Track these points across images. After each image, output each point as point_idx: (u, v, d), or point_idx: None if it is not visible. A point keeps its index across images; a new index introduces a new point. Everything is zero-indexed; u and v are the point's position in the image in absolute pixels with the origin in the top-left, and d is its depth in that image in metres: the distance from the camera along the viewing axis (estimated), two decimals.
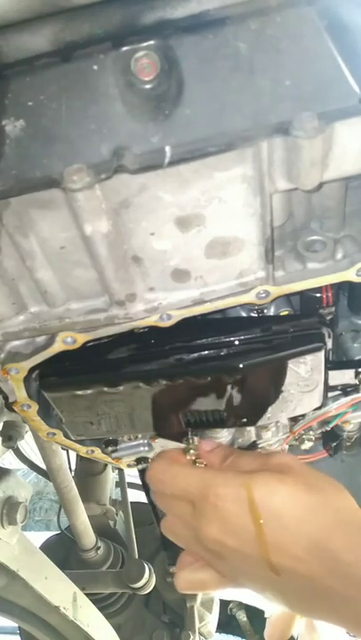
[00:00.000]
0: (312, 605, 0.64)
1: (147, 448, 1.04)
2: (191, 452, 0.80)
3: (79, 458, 2.41)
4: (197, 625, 2.40)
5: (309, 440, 1.14)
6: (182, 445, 0.83)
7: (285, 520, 0.63)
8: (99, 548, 2.32)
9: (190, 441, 0.82)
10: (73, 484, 1.91)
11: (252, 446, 1.11)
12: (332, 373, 0.87)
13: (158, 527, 0.83)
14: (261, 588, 0.68)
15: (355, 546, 0.61)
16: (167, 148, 0.57)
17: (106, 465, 2.50)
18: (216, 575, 0.72)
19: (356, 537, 0.62)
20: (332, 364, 0.85)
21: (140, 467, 1.11)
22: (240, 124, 0.58)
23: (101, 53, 0.59)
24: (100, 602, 2.27)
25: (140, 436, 1.02)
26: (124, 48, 0.58)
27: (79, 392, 0.79)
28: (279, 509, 0.64)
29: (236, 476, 0.67)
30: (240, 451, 0.79)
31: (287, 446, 1.12)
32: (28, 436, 1.93)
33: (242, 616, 2.99)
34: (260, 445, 1.12)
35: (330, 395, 0.95)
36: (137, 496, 2.48)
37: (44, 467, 1.87)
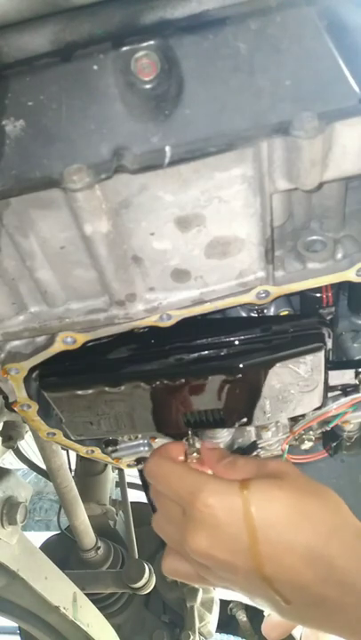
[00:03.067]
0: (307, 614, 0.63)
1: (147, 448, 1.05)
2: (194, 455, 0.79)
3: (79, 458, 2.41)
4: (197, 625, 2.40)
5: (309, 440, 1.14)
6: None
7: (282, 527, 0.61)
8: (99, 548, 2.32)
9: (190, 441, 0.82)
10: (73, 484, 1.91)
11: (252, 446, 1.11)
12: (332, 373, 0.87)
13: None
14: (252, 596, 0.66)
15: (352, 553, 0.60)
16: (167, 148, 0.57)
17: (106, 465, 2.50)
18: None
19: (352, 544, 0.61)
20: (332, 364, 0.85)
21: (140, 467, 1.11)
22: (240, 124, 0.58)
23: (101, 53, 0.59)
24: (100, 602, 2.27)
25: (140, 435, 1.02)
26: (124, 48, 0.58)
27: (79, 392, 0.79)
28: (276, 516, 0.62)
29: (230, 484, 0.65)
30: (237, 455, 0.77)
31: (287, 446, 1.12)
32: (28, 436, 1.93)
33: (242, 616, 2.99)
34: (260, 445, 1.12)
35: (330, 395, 0.95)
36: (137, 496, 2.48)
37: (44, 467, 1.88)
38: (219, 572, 0.66)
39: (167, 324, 0.72)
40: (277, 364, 0.76)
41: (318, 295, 0.78)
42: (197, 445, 0.80)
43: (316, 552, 0.60)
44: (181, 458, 0.79)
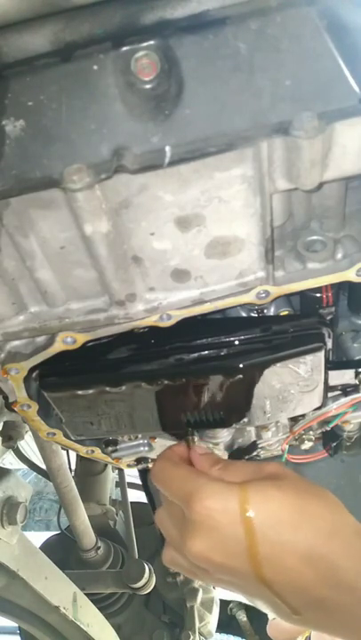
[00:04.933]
0: (305, 616, 0.62)
1: (147, 448, 1.05)
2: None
3: (79, 458, 2.41)
4: (197, 625, 2.40)
5: (309, 440, 1.14)
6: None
7: (281, 528, 0.60)
8: (99, 548, 2.32)
9: (190, 441, 0.82)
10: (73, 483, 1.91)
11: (253, 446, 1.11)
12: (332, 373, 0.87)
13: None
14: (250, 598, 0.66)
15: (352, 552, 0.59)
16: (167, 148, 0.57)
17: (106, 465, 2.50)
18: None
19: (353, 543, 0.60)
20: (332, 364, 0.85)
21: (140, 467, 1.11)
22: (240, 124, 0.58)
23: (101, 53, 0.59)
24: (100, 602, 2.27)
25: (140, 435, 1.02)
26: (124, 48, 0.58)
27: (79, 392, 0.79)
28: (275, 516, 0.61)
29: (228, 486, 0.64)
30: (230, 460, 0.76)
31: (287, 446, 1.12)
32: (28, 436, 1.93)
33: (242, 616, 2.99)
34: (260, 445, 1.12)
35: (330, 395, 0.95)
36: (137, 496, 2.48)
37: (44, 467, 1.88)
38: (217, 576, 0.65)
39: (167, 324, 0.72)
40: (277, 364, 0.77)
41: (318, 295, 0.78)
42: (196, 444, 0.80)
43: (317, 552, 0.59)
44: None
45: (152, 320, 0.71)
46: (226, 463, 0.73)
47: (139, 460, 1.08)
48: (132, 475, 2.46)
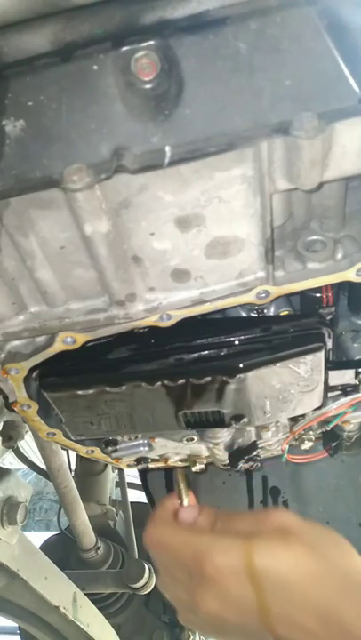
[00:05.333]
0: None
1: (147, 448, 1.05)
2: (186, 500, 0.74)
3: (79, 458, 2.41)
4: None
5: (309, 440, 1.14)
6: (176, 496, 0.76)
7: (291, 588, 0.59)
8: (99, 548, 2.32)
9: (189, 440, 0.82)
10: (73, 483, 1.91)
11: (253, 446, 1.11)
12: (332, 373, 0.87)
13: None
14: None
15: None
16: (167, 148, 0.57)
17: (106, 465, 2.50)
18: None
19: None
20: (332, 364, 0.85)
21: (140, 467, 1.11)
22: (240, 124, 0.58)
23: (101, 53, 0.59)
24: (100, 602, 2.27)
25: (140, 435, 1.02)
26: (124, 48, 0.58)
27: (79, 392, 0.79)
28: (284, 577, 0.60)
29: (235, 544, 0.63)
30: (226, 513, 0.74)
31: (287, 446, 1.12)
32: (28, 436, 1.93)
33: None
34: (260, 445, 1.12)
35: (330, 395, 0.95)
36: (137, 496, 2.48)
37: (44, 467, 1.88)
38: (230, 632, 0.65)
39: (167, 324, 0.72)
40: (277, 364, 0.77)
41: (318, 295, 0.78)
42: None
43: (329, 611, 0.59)
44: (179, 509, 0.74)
45: (152, 320, 0.71)
46: (224, 520, 0.71)
47: (139, 460, 1.08)
48: (132, 475, 2.46)
